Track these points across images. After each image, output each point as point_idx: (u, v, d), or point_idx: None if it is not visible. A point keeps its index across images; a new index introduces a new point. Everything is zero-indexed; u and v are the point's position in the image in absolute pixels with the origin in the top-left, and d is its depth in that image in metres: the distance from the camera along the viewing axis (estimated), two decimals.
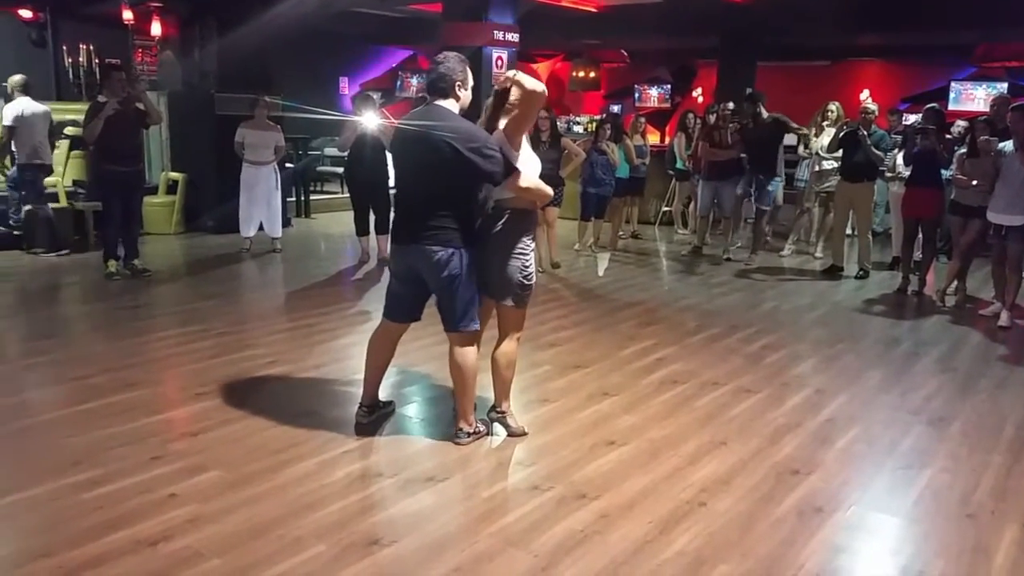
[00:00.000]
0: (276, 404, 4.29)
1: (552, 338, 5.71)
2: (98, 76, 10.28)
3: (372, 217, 8.23)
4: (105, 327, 5.84)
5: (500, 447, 3.88)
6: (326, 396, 4.50)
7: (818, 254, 9.29)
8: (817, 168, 9.18)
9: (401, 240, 3.78)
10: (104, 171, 7.13)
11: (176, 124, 10.12)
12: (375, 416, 4.07)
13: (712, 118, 9.28)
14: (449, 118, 3.60)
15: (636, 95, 18.98)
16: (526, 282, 3.79)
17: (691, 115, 10.36)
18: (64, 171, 9.30)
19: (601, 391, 4.66)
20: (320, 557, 2.86)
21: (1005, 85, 14.30)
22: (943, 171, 7.24)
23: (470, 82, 3.73)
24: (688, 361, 5.30)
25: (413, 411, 4.33)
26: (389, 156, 8.29)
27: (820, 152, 8.94)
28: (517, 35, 10.60)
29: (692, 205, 10.33)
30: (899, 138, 8.68)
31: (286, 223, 9.27)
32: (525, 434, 3.98)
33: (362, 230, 8.31)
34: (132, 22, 10.46)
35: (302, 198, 11.60)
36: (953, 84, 15.16)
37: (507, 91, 3.67)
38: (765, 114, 8.55)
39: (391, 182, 8.37)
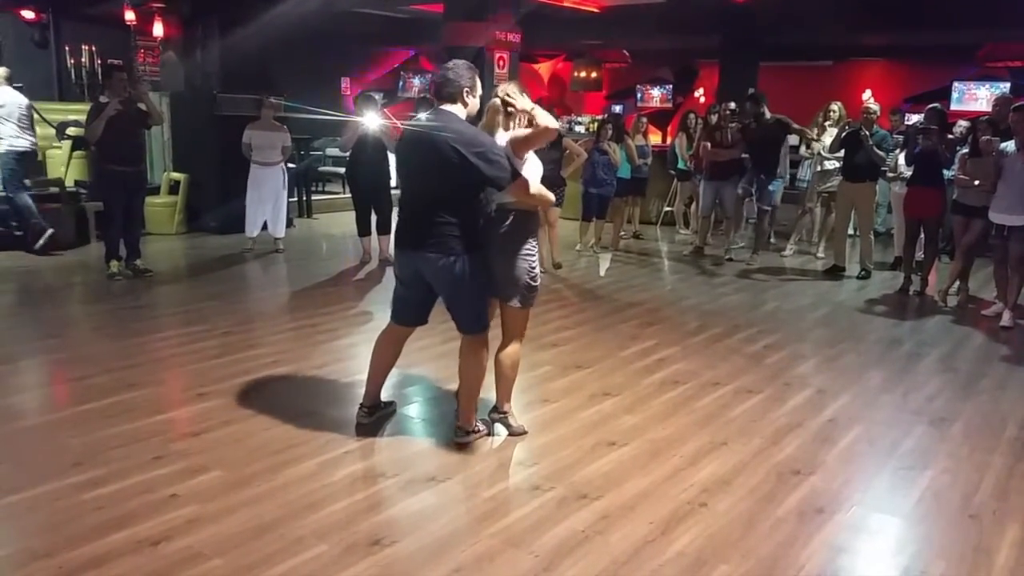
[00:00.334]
0: (277, 404, 4.30)
1: (553, 338, 5.71)
2: (100, 77, 10.29)
3: (374, 217, 8.22)
4: (107, 327, 5.84)
5: (501, 447, 3.88)
6: (327, 396, 4.50)
7: (820, 254, 9.28)
8: (819, 168, 9.18)
9: (405, 246, 3.78)
10: (106, 171, 7.14)
11: (178, 125, 10.13)
12: (376, 417, 4.07)
13: (714, 118, 9.27)
14: (455, 123, 3.60)
15: (638, 95, 18.98)
16: (533, 283, 3.80)
17: (693, 115, 10.35)
18: (66, 171, 9.32)
19: (602, 391, 4.66)
20: (321, 557, 2.86)
21: (1008, 85, 14.28)
22: (945, 171, 7.23)
23: (479, 90, 3.73)
24: (689, 361, 5.29)
25: (414, 411, 4.33)
26: (391, 157, 8.35)
27: (822, 152, 8.95)
28: (518, 35, 10.60)
29: (694, 205, 10.33)
30: (901, 138, 8.67)
31: (288, 223, 9.27)
32: (525, 433, 3.98)
33: (364, 230, 8.31)
34: (134, 23, 10.48)
35: (304, 198, 11.61)
36: (956, 84, 15.13)
37: (511, 105, 3.68)
38: (768, 114, 8.55)
39: (392, 182, 8.39)
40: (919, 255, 7.70)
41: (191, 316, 6.11)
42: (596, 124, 10.88)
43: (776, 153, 8.80)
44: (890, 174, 8.38)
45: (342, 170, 10.67)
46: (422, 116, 3.82)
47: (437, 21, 11.42)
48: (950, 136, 7.71)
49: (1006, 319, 6.41)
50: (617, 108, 18.55)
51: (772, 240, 9.78)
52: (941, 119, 7.50)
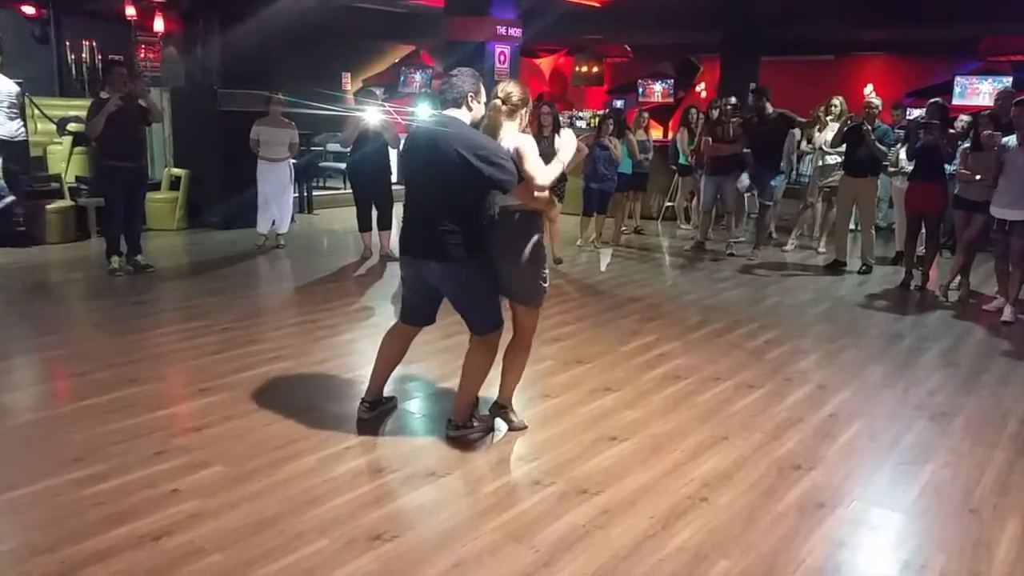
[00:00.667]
0: (278, 400, 4.30)
1: (554, 333, 5.71)
2: (101, 72, 10.28)
3: (375, 212, 8.22)
4: (108, 323, 5.85)
5: (501, 442, 3.88)
6: (328, 392, 4.50)
7: (821, 249, 9.27)
8: (820, 163, 9.17)
9: (410, 252, 3.79)
10: (107, 167, 7.14)
11: (179, 120, 10.12)
12: (377, 412, 4.08)
13: (715, 113, 9.25)
14: (459, 127, 3.60)
15: (639, 90, 18.94)
16: (541, 284, 3.80)
17: (694, 110, 10.33)
18: (67, 167, 9.32)
19: (603, 386, 4.66)
20: (322, 552, 2.87)
21: (1010, 79, 14.23)
22: (946, 166, 7.22)
23: (483, 97, 3.74)
24: (690, 356, 5.29)
25: (415, 407, 4.34)
26: (392, 153, 8.35)
27: (823, 147, 8.93)
28: (519, 30, 10.58)
29: (695, 200, 10.32)
30: (902, 133, 8.66)
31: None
32: (525, 427, 3.99)
33: (365, 226, 8.30)
34: (135, 18, 10.46)
35: (305, 194, 11.60)
36: (958, 78, 15.07)
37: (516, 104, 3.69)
38: (770, 109, 8.53)
39: (393, 178, 8.39)
40: (920, 250, 7.69)
41: (192, 312, 6.12)
42: (597, 119, 10.87)
43: (779, 148, 8.78)
44: (891, 169, 8.37)
45: (343, 165, 10.67)
46: (427, 120, 3.82)
47: (438, 16, 11.41)
48: (951, 131, 7.69)
49: (1007, 314, 6.40)
50: (618, 103, 18.49)
51: (773, 235, 9.77)
52: (942, 114, 7.48)
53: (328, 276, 7.61)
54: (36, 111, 9.59)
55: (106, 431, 3.83)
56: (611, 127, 8.80)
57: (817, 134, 9.20)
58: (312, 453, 3.67)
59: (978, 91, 14.74)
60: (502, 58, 10.33)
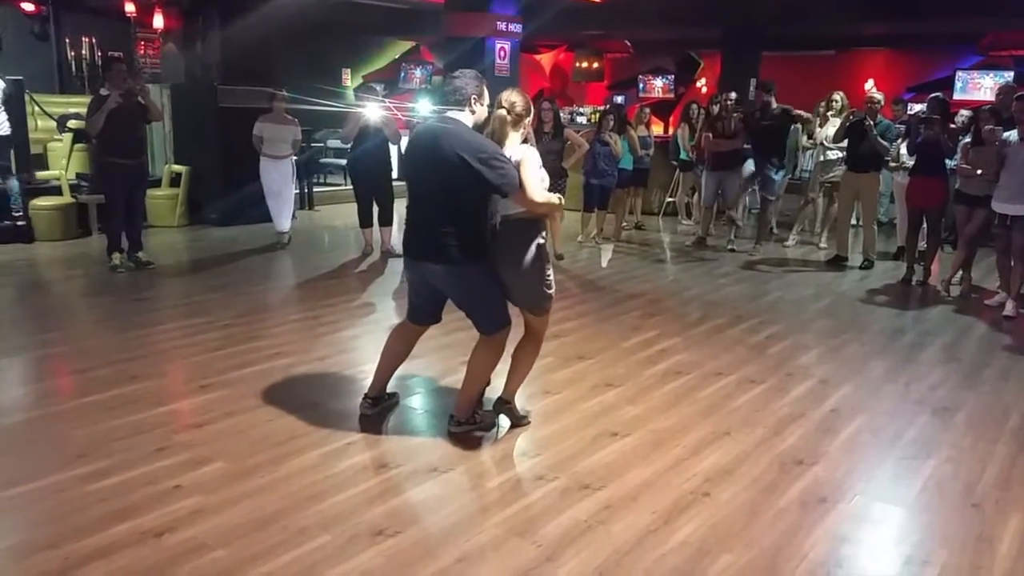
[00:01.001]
0: (280, 396, 4.30)
1: (556, 329, 5.69)
2: (100, 69, 10.28)
3: (376, 208, 8.21)
4: (109, 320, 5.85)
5: (504, 438, 3.88)
6: (330, 388, 4.50)
7: (822, 244, 9.27)
8: (822, 158, 9.16)
9: (413, 255, 3.78)
10: (107, 164, 7.13)
11: (179, 117, 10.12)
12: (379, 408, 4.08)
13: (716, 108, 9.24)
14: (460, 129, 3.59)
15: (640, 86, 18.92)
16: (547, 290, 3.78)
17: (695, 106, 10.32)
18: (67, 164, 9.32)
19: (605, 382, 4.66)
20: (325, 548, 2.87)
21: (1011, 74, 14.21)
22: (947, 160, 7.21)
23: (486, 99, 3.72)
24: (692, 352, 5.29)
25: (417, 403, 4.34)
26: (393, 149, 8.34)
27: (825, 142, 8.92)
28: (520, 25, 10.57)
29: (696, 196, 10.31)
30: (903, 128, 8.64)
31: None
32: (528, 422, 3.99)
33: (365, 222, 8.30)
34: (134, 15, 10.47)
35: (306, 190, 11.60)
36: (959, 73, 15.04)
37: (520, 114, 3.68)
38: (774, 104, 8.52)
39: (394, 174, 8.38)
40: (922, 245, 7.69)
41: (193, 308, 6.12)
42: (598, 115, 10.86)
43: (781, 143, 8.77)
44: (892, 164, 8.36)
45: (343, 162, 10.66)
46: (429, 122, 3.81)
47: (438, 11, 11.39)
48: (952, 126, 7.68)
49: (1009, 309, 6.40)
50: (619, 99, 18.52)
51: (774, 231, 9.76)
52: (943, 108, 7.48)
53: (329, 272, 7.61)
54: (36, 108, 9.58)
55: (108, 427, 3.83)
56: (612, 123, 8.78)
57: (818, 129, 9.19)
58: (314, 449, 3.67)
59: (979, 86, 14.71)
60: (502, 54, 10.33)
